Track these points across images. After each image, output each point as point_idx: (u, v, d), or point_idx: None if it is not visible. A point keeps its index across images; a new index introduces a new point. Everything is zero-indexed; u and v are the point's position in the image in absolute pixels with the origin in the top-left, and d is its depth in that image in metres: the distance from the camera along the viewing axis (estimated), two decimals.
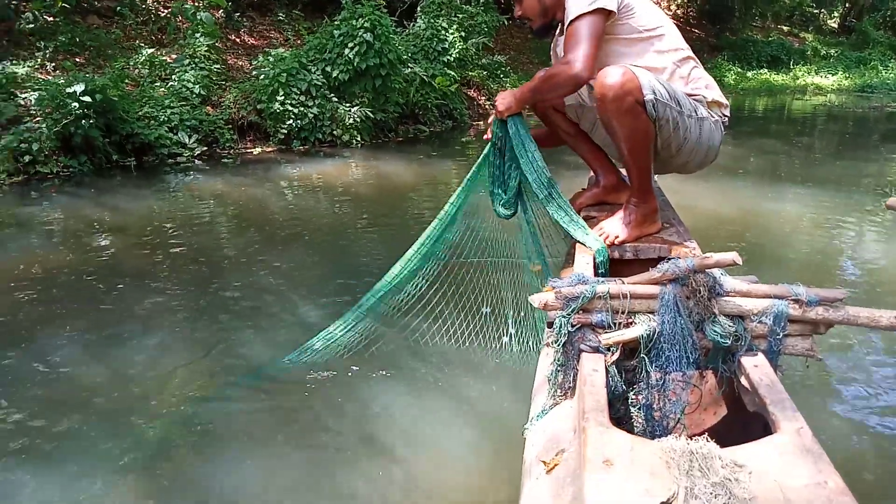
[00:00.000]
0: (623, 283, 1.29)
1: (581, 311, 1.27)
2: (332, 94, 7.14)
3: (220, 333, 2.54)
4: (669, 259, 1.27)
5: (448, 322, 2.29)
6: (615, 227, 1.88)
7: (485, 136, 2.16)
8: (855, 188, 4.98)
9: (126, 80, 6.48)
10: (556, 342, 1.28)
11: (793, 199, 4.67)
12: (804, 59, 16.67)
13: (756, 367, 1.19)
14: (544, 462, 1.11)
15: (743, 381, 1.20)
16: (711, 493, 0.86)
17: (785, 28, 20.76)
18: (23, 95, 5.85)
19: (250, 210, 4.57)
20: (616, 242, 1.85)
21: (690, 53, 1.95)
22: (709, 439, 0.97)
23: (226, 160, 6.33)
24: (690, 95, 1.88)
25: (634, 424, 1.31)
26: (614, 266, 1.82)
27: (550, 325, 1.31)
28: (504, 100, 1.93)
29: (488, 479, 1.70)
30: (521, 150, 1.93)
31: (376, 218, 4.23)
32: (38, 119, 5.56)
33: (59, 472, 1.74)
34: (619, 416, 1.29)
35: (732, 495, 0.86)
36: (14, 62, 6.39)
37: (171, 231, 3.97)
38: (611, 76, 1.68)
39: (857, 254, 3.50)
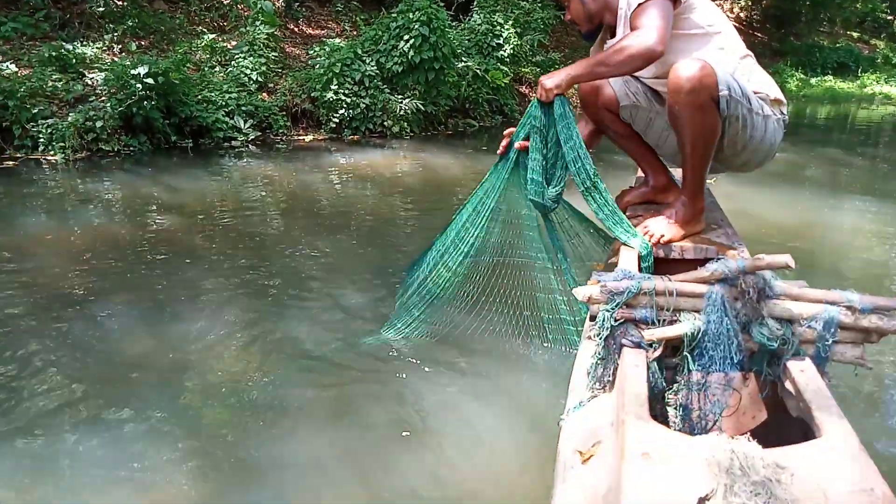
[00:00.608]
0: (670, 280, 1.27)
1: (625, 307, 1.26)
2: (385, 86, 7.20)
3: (268, 313, 2.60)
4: (719, 258, 1.25)
5: (486, 315, 2.30)
6: (661, 226, 1.86)
7: (499, 151, 2.11)
8: None
9: (188, 65, 6.67)
10: (598, 335, 1.28)
11: (852, 209, 4.50)
12: (873, 67, 15.98)
13: (802, 372, 1.17)
14: (580, 452, 1.11)
15: (788, 385, 1.18)
16: (752, 492, 0.84)
17: (855, 34, 19.92)
18: (90, 75, 6.09)
19: (300, 196, 4.66)
20: (662, 242, 1.82)
21: (749, 52, 1.92)
22: (752, 440, 0.95)
23: (278, 146, 6.47)
24: (755, 93, 1.84)
25: (671, 423, 1.30)
26: (659, 265, 1.79)
27: (593, 318, 1.30)
28: (553, 78, 1.84)
29: (518, 469, 1.70)
30: (566, 134, 1.84)
31: (422, 209, 4.26)
32: (103, 98, 5.78)
33: (111, 440, 1.81)
34: (656, 415, 1.27)
35: (773, 496, 0.84)
36: (84, 43, 6.65)
37: (223, 212, 4.08)
38: (688, 69, 1.64)
39: None
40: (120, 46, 6.90)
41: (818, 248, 3.61)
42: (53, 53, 6.06)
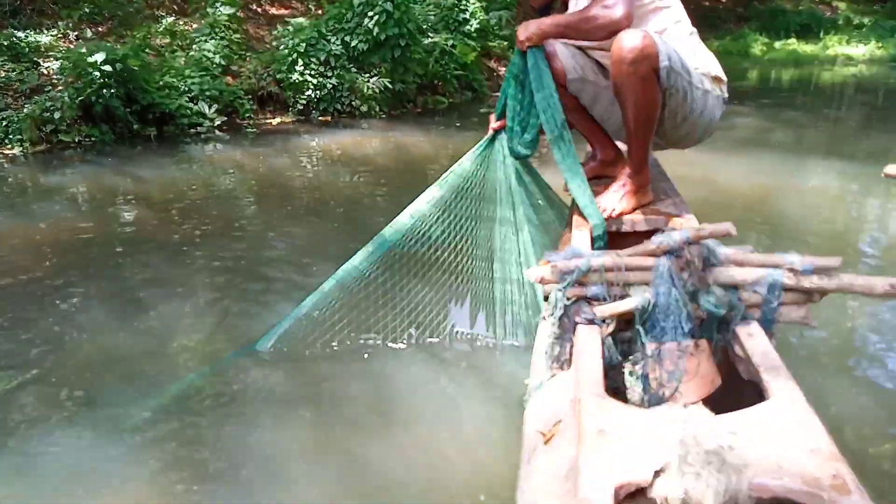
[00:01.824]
0: (618, 255, 1.29)
1: (577, 285, 1.28)
2: (352, 65, 7.10)
3: (239, 301, 2.58)
4: (664, 231, 1.28)
5: (451, 298, 2.30)
6: (611, 200, 1.91)
7: (491, 127, 2.15)
8: (884, 161, 4.87)
9: (147, 50, 6.50)
10: (552, 315, 1.29)
11: (816, 172, 4.58)
12: (836, 29, 16.14)
13: (750, 336, 1.19)
14: (542, 433, 1.13)
15: (737, 349, 1.21)
16: (704, 461, 0.86)
17: None
18: (45, 64, 5.91)
19: (269, 180, 4.60)
20: (613, 215, 1.87)
21: (694, 29, 1.96)
22: (703, 407, 0.98)
23: (246, 131, 6.36)
24: (697, 69, 1.88)
25: (631, 394, 1.32)
26: (611, 238, 1.83)
27: (546, 298, 1.32)
28: (526, 29, 1.89)
29: (489, 451, 1.71)
30: (537, 83, 1.88)
31: (395, 189, 4.24)
32: (60, 88, 5.62)
33: (81, 434, 1.79)
34: (616, 387, 1.30)
35: (725, 462, 0.86)
36: (38, 31, 6.44)
37: (191, 200, 4.02)
38: (631, 39, 1.67)
39: (883, 228, 3.44)
40: (76, 33, 6.69)
41: (785, 214, 3.68)
42: (5, 42, 5.86)
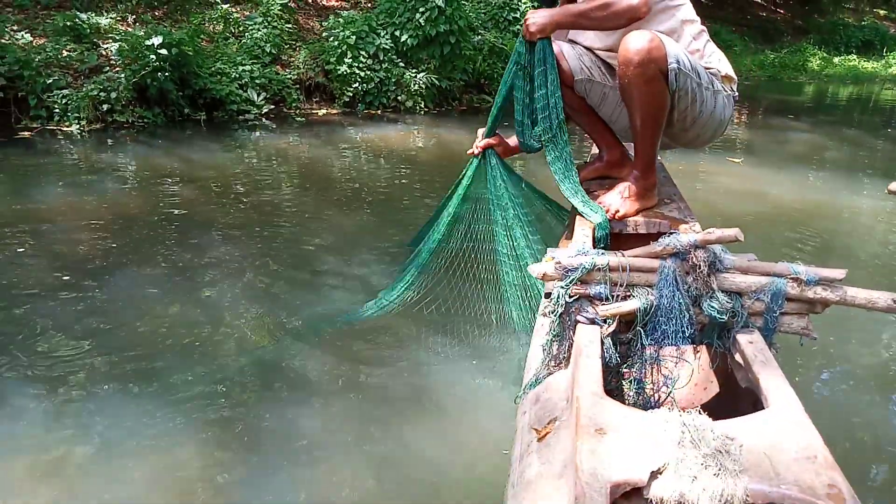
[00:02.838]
0: (623, 255, 1.27)
1: (579, 283, 1.26)
2: (400, 59, 7.13)
3: (280, 284, 2.63)
4: (671, 233, 1.25)
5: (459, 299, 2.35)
6: (615, 200, 1.87)
7: (469, 151, 2.18)
8: None
9: (202, 36, 6.63)
10: (552, 312, 1.28)
11: (870, 192, 4.43)
12: None
13: (751, 344, 1.18)
14: (536, 430, 1.11)
15: (737, 356, 1.20)
16: (702, 465, 0.86)
17: (881, 12, 19.43)
18: (104, 46, 6.08)
19: (313, 170, 4.66)
20: (616, 217, 1.84)
21: (704, 27, 1.93)
22: (701, 413, 0.96)
23: (292, 120, 6.45)
24: (706, 68, 1.85)
25: (626, 397, 1.31)
26: (613, 239, 1.81)
27: (548, 295, 1.30)
28: (538, 19, 1.83)
29: (479, 447, 1.70)
30: (541, 80, 1.83)
31: (435, 185, 4.24)
32: (117, 69, 5.78)
33: (133, 406, 1.85)
34: (611, 389, 1.28)
35: (723, 467, 0.86)
36: (98, 13, 6.63)
37: (237, 185, 4.09)
38: (638, 41, 1.65)
39: None
40: (134, 17, 6.87)
41: (833, 232, 3.56)
42: (68, 23, 6.04)
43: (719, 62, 1.92)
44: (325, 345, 2.20)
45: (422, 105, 7.11)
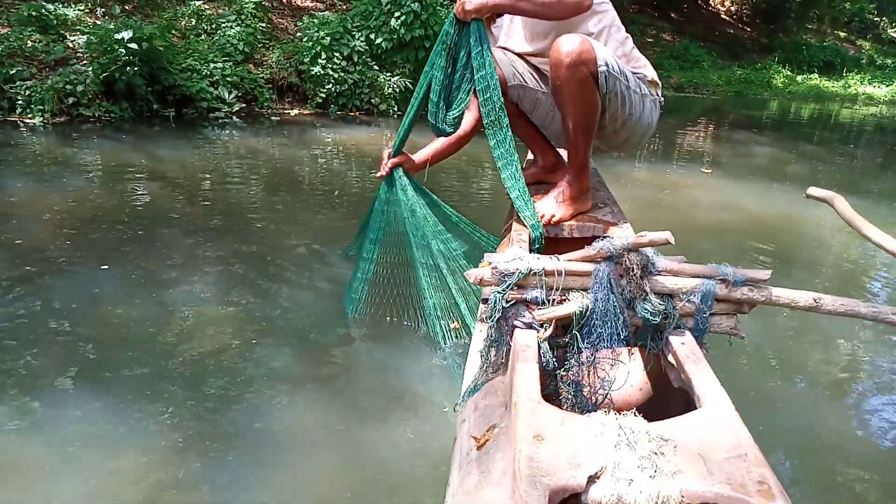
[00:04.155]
0: (558, 260, 1.28)
1: (516, 288, 1.26)
2: (374, 62, 7.12)
3: (247, 283, 2.59)
4: (605, 237, 1.27)
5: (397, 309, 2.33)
6: (550, 206, 1.90)
7: (378, 175, 2.14)
8: None
9: (173, 31, 6.53)
10: (490, 318, 1.27)
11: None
12: (858, 67, 16.14)
13: (683, 345, 1.21)
14: (475, 438, 1.11)
15: (670, 357, 1.22)
16: (638, 467, 0.88)
17: (842, 34, 20.09)
18: (71, 38, 5.95)
19: (283, 170, 4.62)
20: (552, 222, 1.86)
21: (628, 35, 1.98)
22: (636, 415, 0.98)
23: (263, 119, 6.39)
24: (634, 72, 1.90)
25: (564, 401, 1.31)
26: (548, 244, 1.81)
27: (485, 300, 1.29)
28: None
29: (419, 458, 1.67)
30: (479, 61, 1.77)
31: None
32: (84, 62, 5.65)
33: (98, 403, 1.81)
34: (549, 393, 1.29)
35: (658, 469, 0.88)
36: (65, 4, 6.48)
37: (205, 183, 4.03)
38: (569, 43, 1.68)
39: (894, 265, 3.42)
40: (103, 10, 6.73)
41: (795, 244, 3.66)
42: (33, 13, 5.90)
43: (645, 67, 1.97)
44: (289, 345, 2.18)
45: (395, 108, 7.11)
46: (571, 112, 1.77)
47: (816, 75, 14.94)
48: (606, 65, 1.71)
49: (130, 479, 1.55)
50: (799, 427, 1.93)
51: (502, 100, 1.80)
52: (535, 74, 2.08)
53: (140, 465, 1.59)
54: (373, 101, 7.04)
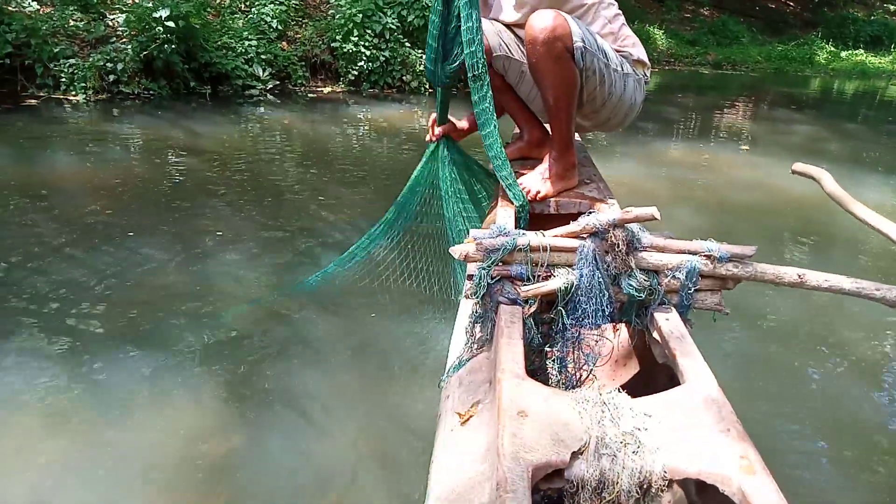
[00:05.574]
0: (543, 235, 1.27)
1: (501, 264, 1.26)
2: (406, 40, 7.11)
3: (283, 251, 2.68)
4: (590, 213, 1.25)
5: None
6: (536, 182, 1.88)
7: (428, 138, 2.10)
8: None
9: (209, 9, 6.61)
10: (475, 294, 1.26)
11: (873, 187, 4.45)
12: None
13: (667, 321, 1.20)
14: (459, 414, 1.10)
15: (654, 334, 1.21)
16: (621, 442, 0.88)
17: (892, 6, 19.28)
18: (111, 16, 6.06)
19: (315, 146, 4.68)
20: (538, 198, 1.84)
21: (619, 12, 1.93)
22: (620, 391, 0.98)
23: (296, 96, 6.45)
24: (618, 52, 1.86)
25: (549, 377, 1.31)
26: (534, 220, 1.80)
27: (470, 277, 1.28)
28: None
29: (403, 433, 1.71)
30: (466, 12, 1.69)
31: None
32: (124, 40, 5.77)
33: (138, 364, 1.92)
34: (535, 369, 1.29)
35: (641, 444, 0.88)
36: None
37: (240, 158, 4.12)
38: (543, 19, 1.65)
39: None
40: None
41: (836, 226, 3.59)
42: None
43: (633, 46, 1.92)
44: (321, 315, 2.24)
45: (427, 86, 7.10)
46: (551, 88, 1.74)
47: (862, 51, 14.40)
48: (583, 40, 1.68)
49: (177, 428, 1.65)
50: (782, 402, 1.96)
51: (485, 59, 1.73)
52: (521, 46, 2.03)
53: (185, 417, 1.69)
54: (404, 78, 7.04)
